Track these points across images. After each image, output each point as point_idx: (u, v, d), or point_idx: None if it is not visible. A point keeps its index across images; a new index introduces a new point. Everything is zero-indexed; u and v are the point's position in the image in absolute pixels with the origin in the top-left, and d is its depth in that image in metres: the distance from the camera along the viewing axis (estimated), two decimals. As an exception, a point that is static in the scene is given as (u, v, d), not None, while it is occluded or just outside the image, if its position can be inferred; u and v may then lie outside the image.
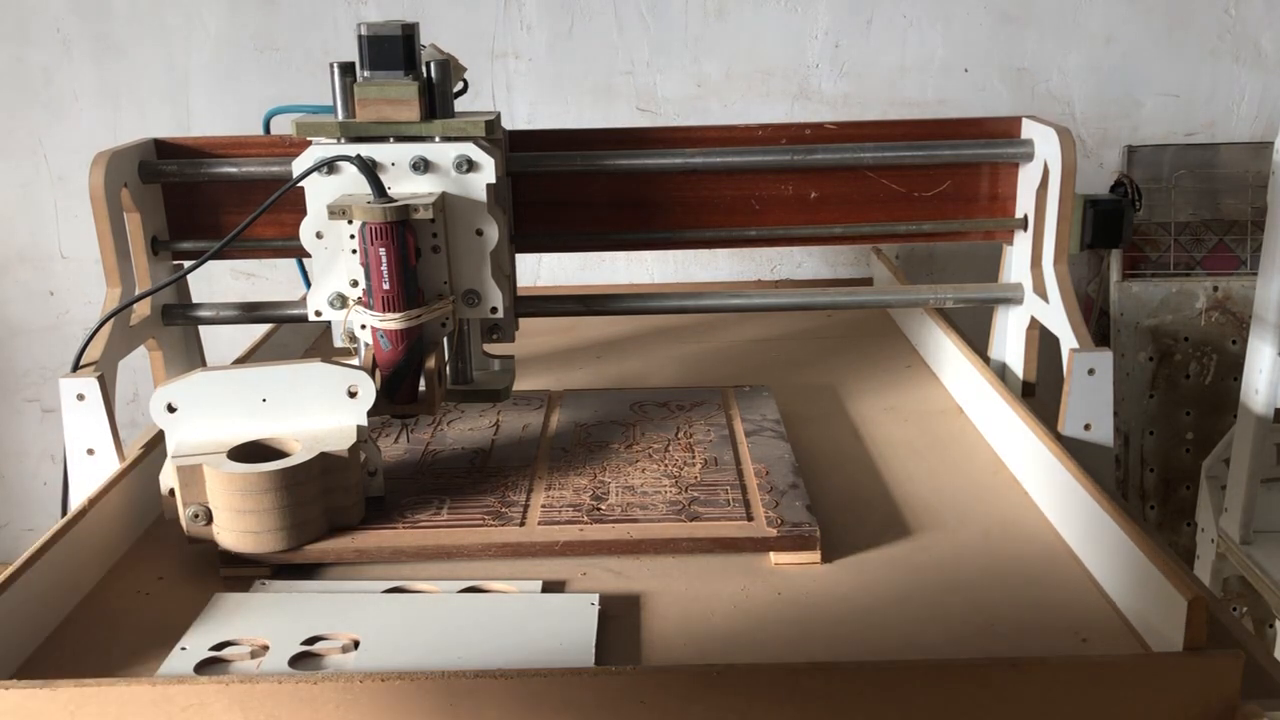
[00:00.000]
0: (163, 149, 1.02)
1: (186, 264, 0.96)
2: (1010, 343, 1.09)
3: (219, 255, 0.94)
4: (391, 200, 0.81)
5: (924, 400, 1.08)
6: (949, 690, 0.59)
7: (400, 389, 0.84)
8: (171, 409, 0.78)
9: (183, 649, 0.67)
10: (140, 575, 0.77)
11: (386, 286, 0.81)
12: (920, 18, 1.50)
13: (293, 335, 1.23)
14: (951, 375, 1.10)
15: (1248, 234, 1.50)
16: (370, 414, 0.80)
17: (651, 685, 0.59)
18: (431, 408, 0.85)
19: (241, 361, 1.09)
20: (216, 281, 1.57)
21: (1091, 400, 0.92)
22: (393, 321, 0.82)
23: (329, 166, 0.84)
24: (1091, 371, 0.92)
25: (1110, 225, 1.02)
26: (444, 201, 0.84)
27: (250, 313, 1.05)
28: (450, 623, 0.69)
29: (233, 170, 1.01)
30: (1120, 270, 1.50)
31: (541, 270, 1.60)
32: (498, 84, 1.52)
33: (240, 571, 0.76)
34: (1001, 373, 1.10)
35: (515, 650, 0.66)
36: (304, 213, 0.85)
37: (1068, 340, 0.94)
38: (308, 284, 1.06)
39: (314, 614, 0.70)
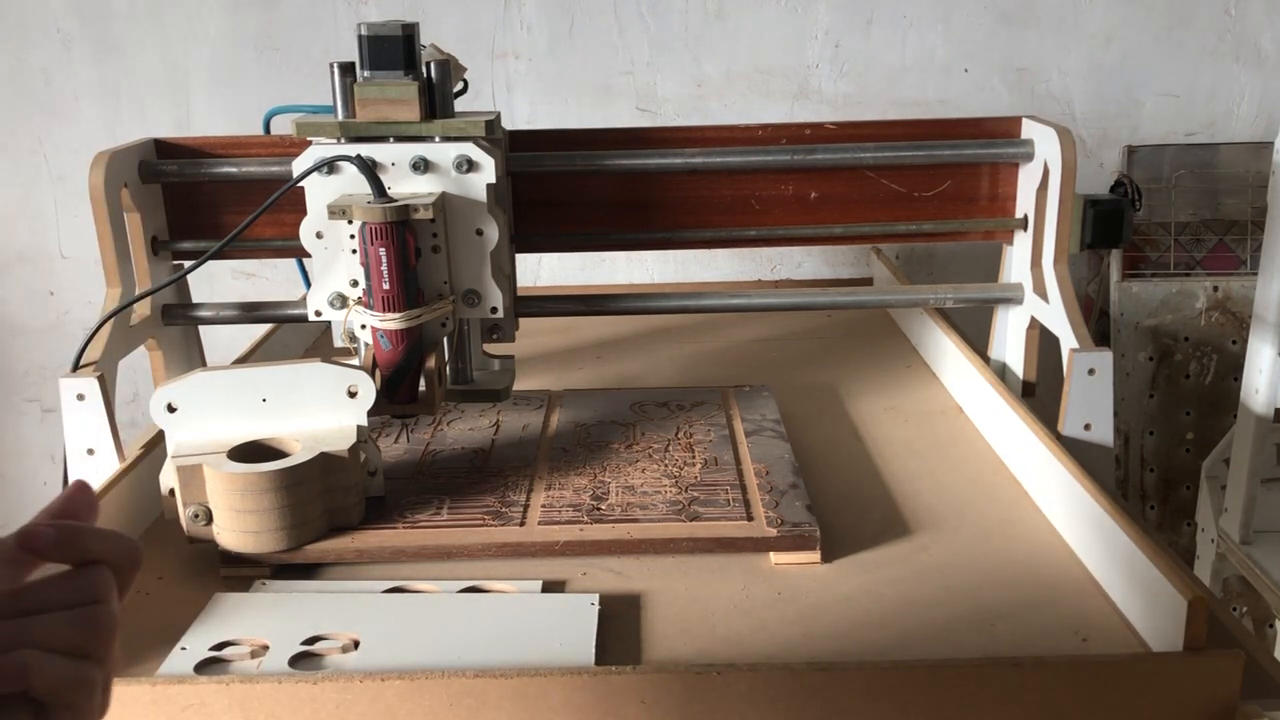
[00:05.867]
0: (163, 149, 1.02)
1: (186, 264, 0.96)
2: (1010, 343, 1.09)
3: (219, 255, 0.94)
4: (391, 200, 0.81)
5: (924, 400, 1.08)
6: (949, 690, 0.59)
7: (400, 389, 0.84)
8: (171, 409, 0.78)
9: (183, 649, 0.67)
10: (140, 575, 0.77)
11: (386, 286, 0.81)
12: (920, 18, 1.50)
13: (293, 335, 1.23)
14: (951, 375, 1.10)
15: (1248, 234, 1.50)
16: (370, 414, 0.80)
17: (651, 685, 0.59)
18: (431, 408, 0.85)
19: (241, 361, 1.09)
20: (216, 281, 1.57)
21: (1091, 400, 0.92)
22: (393, 321, 0.82)
23: (329, 166, 0.84)
24: (1091, 371, 0.92)
25: (1110, 225, 1.02)
26: (444, 201, 0.84)
27: (250, 313, 1.05)
28: (450, 623, 0.69)
29: (233, 170, 1.01)
30: (1120, 270, 1.50)
31: (541, 270, 1.60)
32: (498, 84, 1.52)
33: (240, 571, 0.76)
34: (1001, 373, 1.10)
35: (515, 650, 0.66)
36: (304, 213, 0.85)
37: (1068, 340, 0.94)
38: (308, 284, 1.06)
39: (314, 614, 0.70)
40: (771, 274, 1.61)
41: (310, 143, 0.85)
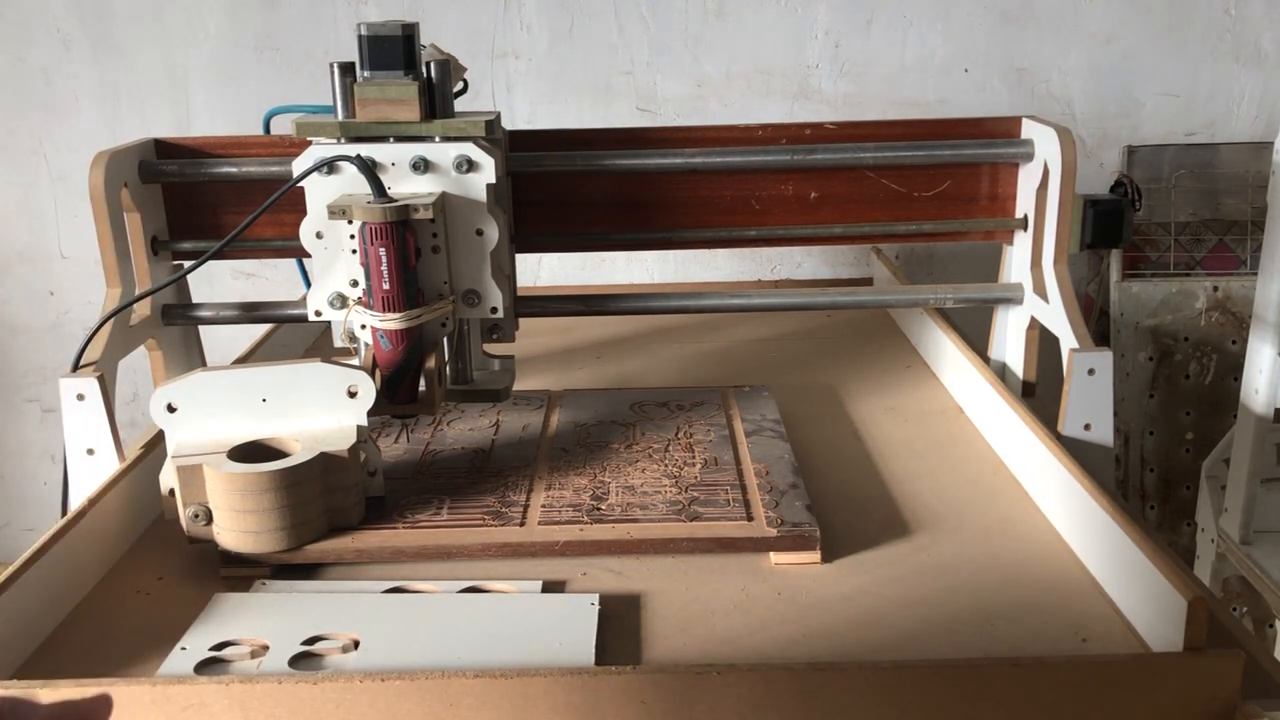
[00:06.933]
0: (163, 149, 1.02)
1: (186, 264, 0.96)
2: (1010, 343, 1.09)
3: (219, 255, 0.94)
4: (391, 200, 0.81)
5: (924, 400, 1.08)
6: (949, 690, 0.59)
7: (400, 389, 0.84)
8: (171, 409, 0.78)
9: (183, 649, 0.67)
10: (140, 575, 0.77)
11: (386, 286, 0.81)
12: (920, 18, 1.50)
13: (293, 335, 1.23)
14: (951, 375, 1.10)
15: (1248, 234, 1.50)
16: (370, 414, 0.80)
17: (651, 685, 0.59)
18: (431, 408, 0.85)
19: (241, 361, 1.09)
20: (216, 281, 1.57)
21: (1091, 400, 0.92)
22: (393, 321, 0.82)
23: (329, 166, 0.84)
24: (1091, 371, 0.92)
25: (1110, 225, 1.02)
26: (444, 201, 0.84)
27: (250, 313, 1.05)
28: (450, 623, 0.69)
29: (233, 170, 1.01)
30: (1120, 270, 1.50)
31: (541, 270, 1.60)
32: (498, 84, 1.52)
33: (240, 571, 0.76)
34: (1001, 373, 1.10)
35: (515, 650, 0.66)
36: (304, 213, 0.85)
37: (1068, 340, 0.94)
38: (308, 284, 1.06)
39: (314, 614, 0.70)
40: (771, 274, 1.61)
41: (310, 143, 0.85)
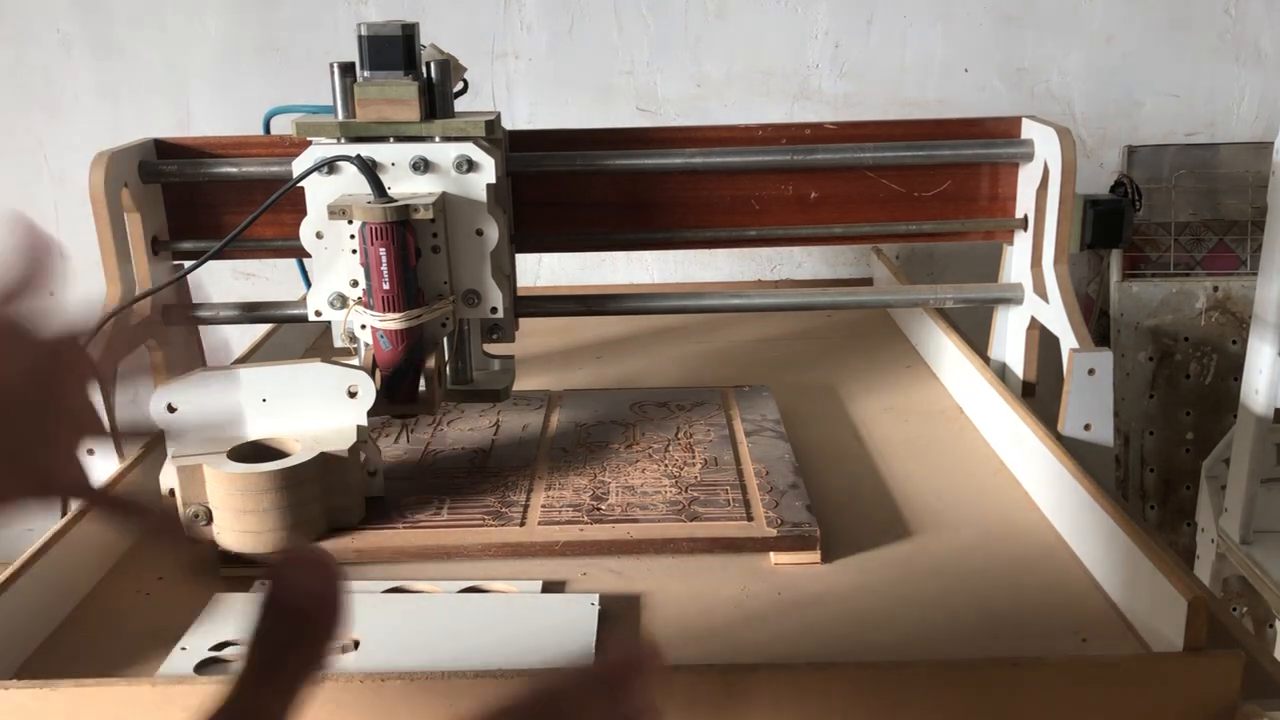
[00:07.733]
0: (163, 149, 1.02)
1: (186, 264, 0.96)
2: (1010, 343, 1.09)
3: (219, 255, 0.94)
4: (391, 200, 0.81)
5: (924, 400, 1.08)
6: (949, 690, 0.59)
7: (400, 389, 0.84)
8: (171, 409, 0.78)
9: (183, 649, 0.67)
10: (140, 575, 0.77)
11: (386, 286, 0.81)
12: (920, 18, 1.50)
13: (293, 335, 1.23)
14: (951, 375, 1.10)
15: (1248, 234, 1.50)
16: (370, 414, 0.80)
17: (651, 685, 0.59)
18: (431, 408, 0.85)
19: (241, 361, 1.09)
20: (217, 281, 1.57)
21: (1091, 400, 0.92)
22: (393, 321, 0.82)
23: (329, 166, 0.84)
24: (1091, 371, 0.92)
25: (1110, 225, 1.02)
26: (444, 201, 0.84)
27: (250, 313, 1.05)
28: (450, 623, 0.69)
29: (233, 170, 1.01)
30: (1120, 270, 1.50)
31: (541, 270, 1.60)
32: (498, 84, 1.52)
33: (240, 571, 0.75)
34: (1001, 373, 1.10)
35: (515, 650, 0.66)
36: (304, 213, 0.85)
37: (1068, 340, 0.94)
38: (308, 284, 1.06)
39: (314, 614, 0.70)
40: (771, 274, 1.61)
41: (310, 143, 0.85)
